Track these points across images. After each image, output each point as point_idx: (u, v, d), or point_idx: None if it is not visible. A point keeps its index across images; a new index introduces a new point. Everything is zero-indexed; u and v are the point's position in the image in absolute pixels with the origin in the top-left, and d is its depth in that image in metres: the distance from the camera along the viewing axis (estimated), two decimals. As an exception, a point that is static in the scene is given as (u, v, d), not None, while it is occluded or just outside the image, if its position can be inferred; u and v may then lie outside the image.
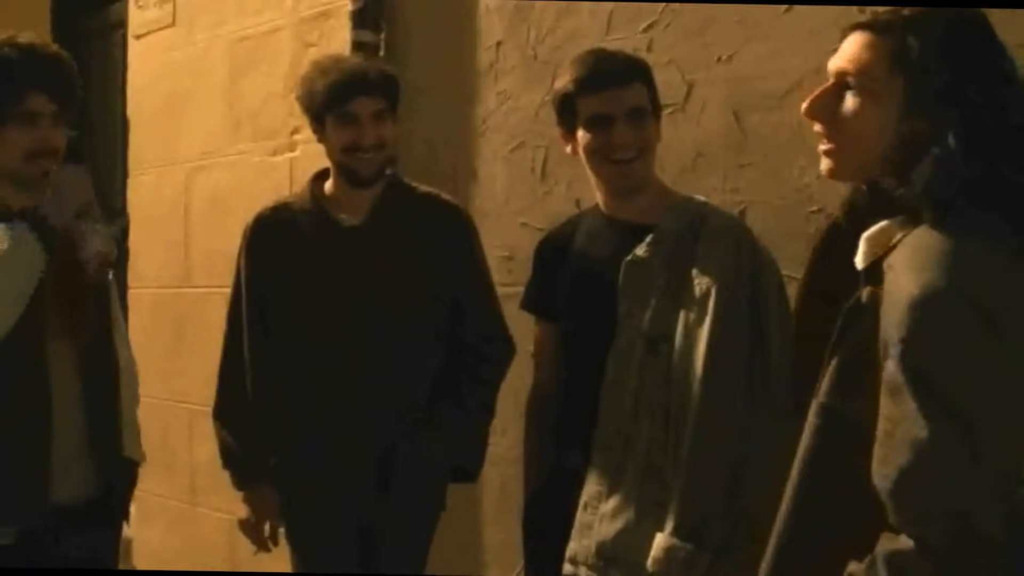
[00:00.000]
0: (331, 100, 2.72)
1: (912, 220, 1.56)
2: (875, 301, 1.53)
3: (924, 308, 1.44)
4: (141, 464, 2.76)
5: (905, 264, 1.50)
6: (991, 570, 1.44)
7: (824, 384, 1.58)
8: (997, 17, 1.66)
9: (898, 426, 1.45)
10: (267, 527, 2.89)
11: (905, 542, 1.45)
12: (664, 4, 3.07)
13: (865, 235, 1.61)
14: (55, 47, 2.52)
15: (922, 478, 1.44)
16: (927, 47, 1.56)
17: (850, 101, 1.62)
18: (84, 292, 2.55)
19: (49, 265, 2.43)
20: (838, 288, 1.65)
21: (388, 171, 2.86)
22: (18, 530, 2.41)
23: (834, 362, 1.57)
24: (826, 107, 1.65)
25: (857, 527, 1.51)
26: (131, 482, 2.72)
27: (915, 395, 1.43)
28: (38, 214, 2.45)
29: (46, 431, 2.44)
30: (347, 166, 2.77)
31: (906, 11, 1.60)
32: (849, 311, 1.57)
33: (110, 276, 2.64)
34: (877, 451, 1.48)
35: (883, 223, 1.59)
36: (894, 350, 1.46)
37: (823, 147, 1.67)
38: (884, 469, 1.47)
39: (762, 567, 1.63)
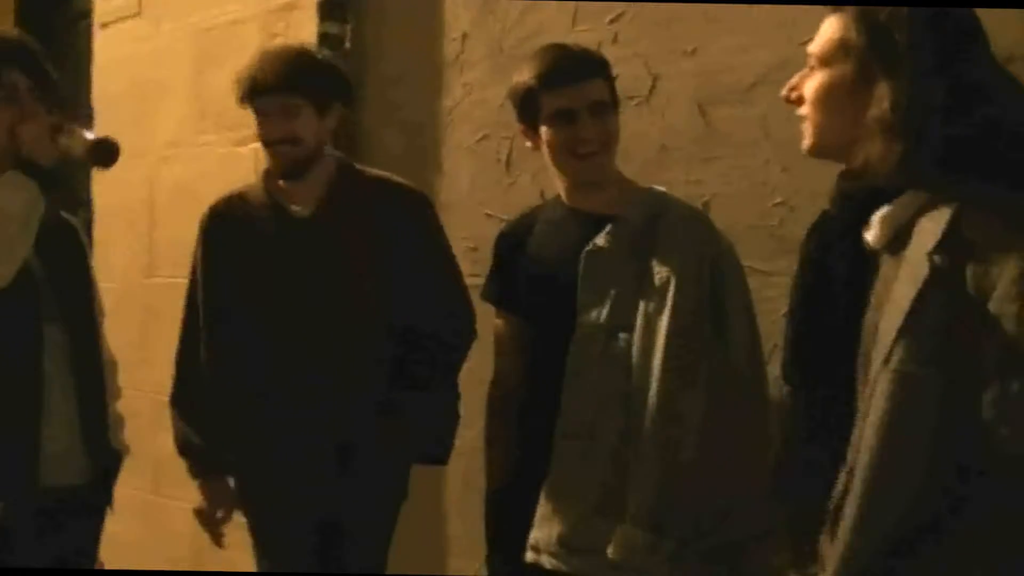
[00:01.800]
0: (244, 95, 2.79)
1: (933, 192, 1.60)
2: (953, 266, 1.55)
3: None
4: (125, 455, 2.80)
5: (1007, 226, 1.53)
6: None
7: (900, 352, 1.57)
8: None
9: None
10: (221, 516, 2.89)
11: None
12: (629, -3, 3.08)
13: (879, 216, 1.65)
14: (17, 31, 2.67)
15: None
16: (878, 17, 1.65)
17: (815, 75, 1.74)
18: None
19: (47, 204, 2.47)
20: (834, 273, 1.76)
21: (336, 157, 2.88)
22: (6, 504, 2.46)
23: (912, 330, 1.56)
24: (800, 88, 1.77)
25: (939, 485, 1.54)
26: (116, 471, 2.77)
27: None
28: (25, 158, 2.46)
29: (36, 413, 2.51)
30: (270, 159, 2.83)
31: None
32: (928, 279, 1.57)
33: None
34: (988, 398, 1.51)
35: (899, 200, 1.63)
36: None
37: (803, 124, 1.77)
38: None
39: (848, 522, 1.61)
